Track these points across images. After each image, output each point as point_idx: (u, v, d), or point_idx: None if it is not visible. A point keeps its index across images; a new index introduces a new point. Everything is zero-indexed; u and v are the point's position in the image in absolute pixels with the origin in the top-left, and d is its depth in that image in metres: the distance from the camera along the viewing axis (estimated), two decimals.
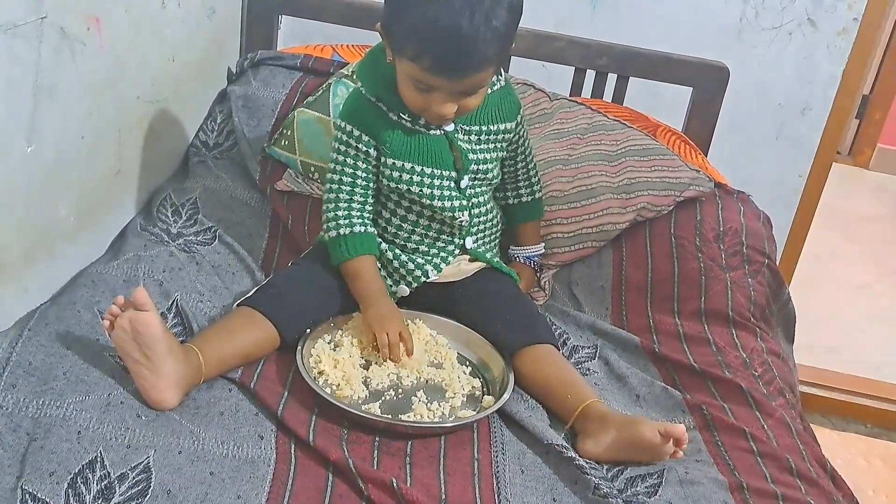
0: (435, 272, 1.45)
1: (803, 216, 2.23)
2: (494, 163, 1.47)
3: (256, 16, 1.97)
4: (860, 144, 4.02)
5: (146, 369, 1.16)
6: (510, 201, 1.59)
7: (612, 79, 1.97)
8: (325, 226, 1.42)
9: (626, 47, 1.93)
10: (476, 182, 1.45)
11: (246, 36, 1.99)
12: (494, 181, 1.50)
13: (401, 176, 1.39)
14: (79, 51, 1.35)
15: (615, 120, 1.82)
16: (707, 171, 1.80)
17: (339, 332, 1.38)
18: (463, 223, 1.44)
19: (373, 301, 1.36)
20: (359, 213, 1.41)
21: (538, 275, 1.62)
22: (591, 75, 1.97)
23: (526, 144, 1.56)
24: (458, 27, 1.20)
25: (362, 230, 1.40)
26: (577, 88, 1.98)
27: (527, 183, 1.58)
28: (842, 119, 2.14)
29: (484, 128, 1.44)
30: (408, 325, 1.41)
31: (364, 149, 1.39)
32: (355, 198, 1.41)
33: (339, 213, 1.40)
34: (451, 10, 1.20)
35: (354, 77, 1.79)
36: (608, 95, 1.98)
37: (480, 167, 1.44)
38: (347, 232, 1.39)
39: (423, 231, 1.44)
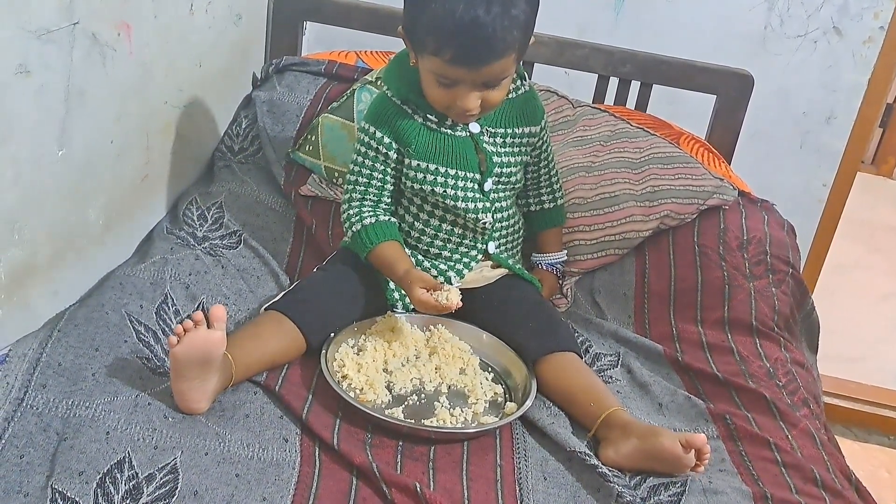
0: (458, 278, 1.45)
1: (827, 225, 2.22)
2: (518, 167, 1.48)
3: (281, 22, 1.99)
4: (884, 153, 3.98)
5: (196, 382, 1.16)
6: (532, 208, 1.59)
7: (635, 86, 1.97)
8: (344, 227, 1.44)
9: (649, 55, 1.93)
10: (500, 186, 1.46)
11: (271, 42, 2.01)
12: (518, 185, 1.50)
13: (425, 177, 1.40)
14: (109, 56, 1.37)
15: (638, 127, 1.82)
16: (730, 180, 1.79)
17: (363, 336, 1.38)
18: (486, 225, 1.44)
19: (405, 281, 1.34)
20: (371, 209, 1.42)
21: (560, 282, 1.62)
22: (614, 82, 1.97)
23: (549, 150, 1.57)
24: (476, 17, 1.23)
25: (373, 220, 1.40)
26: (600, 96, 1.98)
27: (549, 189, 1.59)
28: (866, 128, 2.13)
29: (509, 130, 1.45)
30: (429, 330, 1.42)
31: (384, 151, 1.41)
32: (368, 197, 1.42)
33: (352, 211, 1.42)
34: (469, 2, 1.23)
35: (379, 83, 1.80)
36: (631, 103, 1.98)
37: (504, 170, 1.45)
38: (359, 227, 1.40)
39: (446, 236, 1.45)
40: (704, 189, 1.70)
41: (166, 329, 1.34)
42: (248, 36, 1.92)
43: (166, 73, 1.57)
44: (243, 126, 1.85)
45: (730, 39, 2.04)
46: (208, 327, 1.15)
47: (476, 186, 1.43)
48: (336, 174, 1.74)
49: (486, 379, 1.37)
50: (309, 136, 1.78)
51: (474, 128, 1.42)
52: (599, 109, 1.88)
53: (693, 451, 1.20)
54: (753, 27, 2.05)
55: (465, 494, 1.14)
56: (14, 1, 1.13)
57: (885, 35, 2.02)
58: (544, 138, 1.53)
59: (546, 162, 1.57)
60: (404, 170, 1.42)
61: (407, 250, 1.45)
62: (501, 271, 1.50)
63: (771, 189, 1.92)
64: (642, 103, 1.97)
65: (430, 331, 1.42)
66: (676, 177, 1.70)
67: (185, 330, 1.14)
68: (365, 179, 1.43)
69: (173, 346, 1.13)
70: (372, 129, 1.41)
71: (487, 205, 1.44)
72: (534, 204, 1.59)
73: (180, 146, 1.70)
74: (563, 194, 1.62)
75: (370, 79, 1.83)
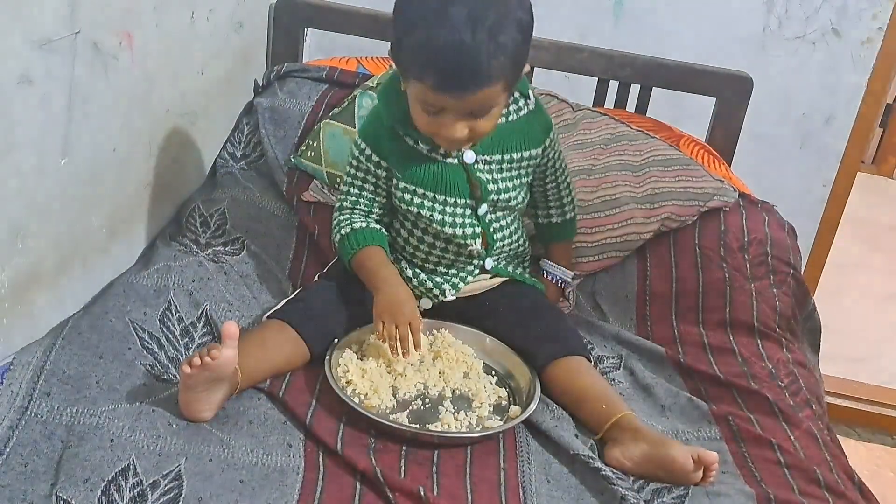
0: (453, 291, 1.44)
1: (827, 226, 2.22)
2: (518, 189, 1.44)
3: (282, 29, 2.00)
4: (884, 153, 3.99)
5: (204, 394, 1.17)
6: (540, 220, 1.57)
7: (635, 89, 1.97)
8: (332, 232, 1.44)
9: (649, 58, 1.94)
10: (498, 209, 1.43)
11: (272, 49, 2.02)
12: (520, 206, 1.46)
13: (412, 199, 1.39)
14: (111, 65, 1.37)
15: (638, 130, 1.82)
16: (731, 181, 1.79)
17: (367, 341, 1.39)
18: (474, 252, 1.42)
19: (379, 287, 1.34)
20: (361, 216, 1.42)
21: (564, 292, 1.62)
22: (614, 86, 1.97)
23: (557, 166, 1.51)
24: (461, 42, 1.18)
25: (364, 225, 1.41)
26: (600, 99, 1.99)
27: (557, 203, 1.55)
28: (866, 128, 2.13)
29: (506, 156, 1.40)
30: (432, 334, 1.42)
31: (374, 170, 1.40)
32: (358, 207, 1.42)
33: (342, 217, 1.42)
34: (454, 26, 1.18)
35: (377, 90, 1.81)
36: (631, 106, 1.99)
37: (502, 196, 1.41)
38: (348, 230, 1.40)
39: (440, 253, 1.43)
40: (705, 191, 1.71)
41: (170, 336, 1.34)
42: (249, 43, 1.93)
43: (168, 82, 1.58)
44: (245, 133, 1.86)
45: (728, 42, 2.05)
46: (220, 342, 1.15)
47: (469, 212, 1.40)
48: (338, 179, 1.74)
49: (490, 382, 1.37)
50: (311, 142, 1.79)
51: (468, 157, 1.37)
52: (599, 113, 1.88)
53: (702, 467, 1.19)
54: (752, 29, 2.05)
55: (469, 498, 1.15)
56: (16, 11, 1.14)
57: (884, 36, 2.02)
58: (549, 156, 1.47)
59: (553, 178, 1.51)
60: (394, 189, 1.40)
61: (403, 263, 1.44)
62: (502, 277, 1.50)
63: (771, 190, 1.92)
64: (642, 106, 1.98)
65: (433, 335, 1.42)
66: (677, 179, 1.71)
67: (201, 360, 1.13)
68: (356, 191, 1.42)
69: (186, 372, 1.13)
70: (363, 146, 1.40)
71: (477, 230, 1.41)
72: (541, 216, 1.57)
73: (183, 153, 1.71)
74: (573, 208, 1.58)
75: (371, 84, 1.83)
